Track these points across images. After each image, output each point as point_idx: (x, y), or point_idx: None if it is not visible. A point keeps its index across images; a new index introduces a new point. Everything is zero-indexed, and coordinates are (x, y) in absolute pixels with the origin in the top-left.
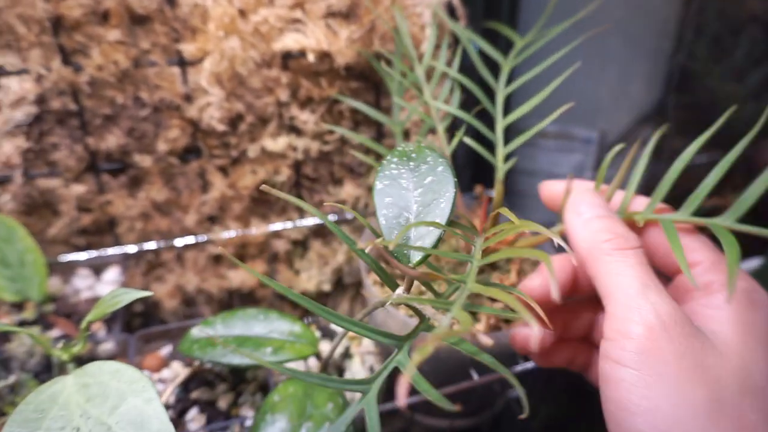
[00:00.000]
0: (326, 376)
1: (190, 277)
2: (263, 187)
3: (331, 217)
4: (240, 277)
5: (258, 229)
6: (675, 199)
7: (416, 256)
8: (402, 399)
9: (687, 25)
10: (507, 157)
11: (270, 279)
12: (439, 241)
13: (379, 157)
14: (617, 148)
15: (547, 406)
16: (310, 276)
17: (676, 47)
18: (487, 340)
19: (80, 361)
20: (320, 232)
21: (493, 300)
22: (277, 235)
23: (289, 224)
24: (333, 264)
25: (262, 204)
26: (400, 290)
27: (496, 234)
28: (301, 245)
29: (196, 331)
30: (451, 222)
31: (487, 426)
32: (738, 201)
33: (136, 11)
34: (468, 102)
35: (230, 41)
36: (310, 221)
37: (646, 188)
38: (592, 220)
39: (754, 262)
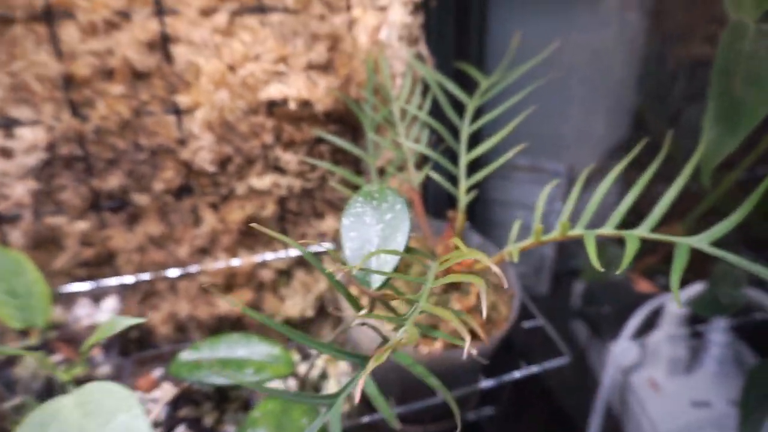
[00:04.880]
0: (298, 393)
1: (183, 305)
2: (253, 224)
3: (313, 249)
4: (227, 305)
5: (245, 260)
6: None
7: (377, 282)
8: (357, 398)
9: (638, 69)
10: (470, 189)
11: (251, 309)
12: (397, 268)
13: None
14: (580, 181)
15: (518, 420)
16: (295, 303)
17: (631, 88)
18: (423, 350)
19: (79, 382)
20: (303, 261)
21: None
22: (263, 265)
23: (274, 255)
24: (315, 291)
25: (249, 236)
26: (363, 312)
27: (446, 261)
28: (285, 274)
29: (185, 355)
30: (410, 249)
31: (463, 429)
32: (651, 213)
33: (138, 69)
34: (442, 138)
35: (220, 93)
36: (294, 252)
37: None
38: None
39: (696, 287)
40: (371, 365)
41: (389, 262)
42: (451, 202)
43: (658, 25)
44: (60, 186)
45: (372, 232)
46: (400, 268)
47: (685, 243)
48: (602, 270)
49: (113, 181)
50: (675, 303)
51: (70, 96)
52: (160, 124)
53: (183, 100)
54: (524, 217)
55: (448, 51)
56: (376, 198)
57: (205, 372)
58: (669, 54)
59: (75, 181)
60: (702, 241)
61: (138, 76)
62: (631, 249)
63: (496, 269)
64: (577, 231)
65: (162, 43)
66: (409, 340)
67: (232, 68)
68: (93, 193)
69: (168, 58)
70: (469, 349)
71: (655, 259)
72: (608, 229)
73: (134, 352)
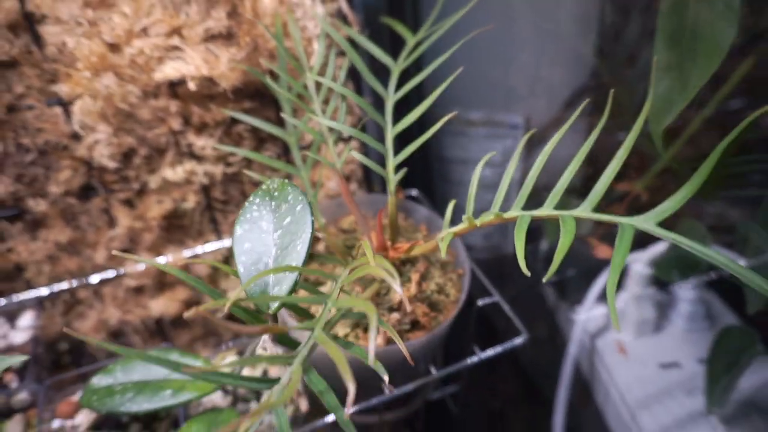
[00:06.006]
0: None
1: (112, 311)
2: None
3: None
4: (160, 306)
5: (173, 256)
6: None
7: (275, 303)
8: None
9: (594, 7)
10: (400, 167)
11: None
12: (296, 284)
13: (288, 176)
14: (528, 134)
15: (482, 395)
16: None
17: (587, 30)
18: (304, 407)
19: None
20: None
21: (392, 309)
22: (196, 258)
23: (212, 246)
24: None
25: (176, 230)
26: (266, 337)
27: (356, 269)
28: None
29: (96, 380)
30: (314, 257)
31: (417, 416)
32: (592, 192)
33: (0, 57)
34: (375, 104)
35: (103, 79)
36: (228, 242)
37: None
38: None
39: (660, 247)
40: (246, 425)
41: (288, 278)
42: (414, 169)
43: None
44: None
45: (269, 240)
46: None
47: (628, 224)
48: (528, 273)
49: (0, 188)
50: (639, 263)
51: None
52: (44, 119)
53: (63, 89)
54: (485, 175)
55: (377, 5)
56: (276, 197)
57: (118, 399)
58: None
59: None
60: (649, 221)
61: (4, 65)
62: (566, 240)
63: (399, 290)
64: (512, 213)
65: (26, 24)
66: (286, 394)
67: (115, 47)
68: None
69: (37, 41)
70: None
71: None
72: (545, 210)
73: (68, 365)
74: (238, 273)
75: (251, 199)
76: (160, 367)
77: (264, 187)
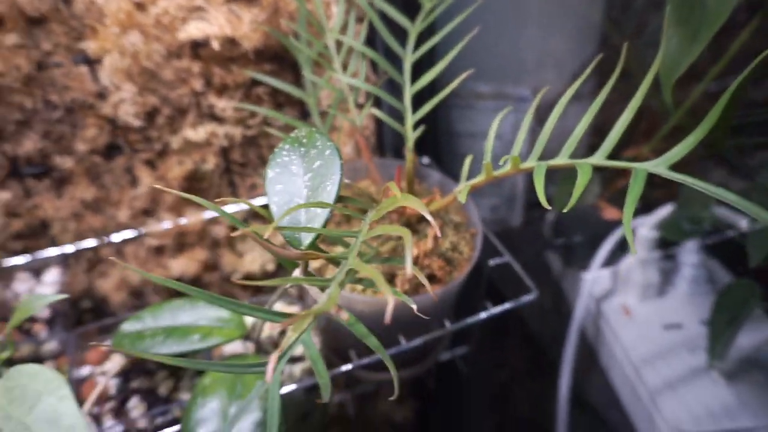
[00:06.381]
0: (227, 363)
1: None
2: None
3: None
4: (180, 266)
5: (193, 218)
6: None
7: (307, 239)
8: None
9: None
10: (418, 124)
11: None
12: (328, 221)
13: None
14: (541, 92)
15: (492, 358)
16: (254, 258)
17: (592, 3)
18: (345, 316)
19: (22, 362)
20: (259, 214)
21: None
22: (214, 221)
23: (224, 210)
24: (276, 243)
25: (196, 192)
26: (297, 271)
27: (381, 209)
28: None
29: (127, 326)
30: (344, 198)
31: (429, 374)
32: (606, 140)
33: (30, 13)
34: (393, 65)
35: (130, 37)
36: (245, 205)
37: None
38: None
39: (665, 210)
40: (291, 335)
41: (319, 216)
42: (428, 135)
43: None
44: None
45: (300, 182)
46: (343, 219)
47: (641, 168)
48: (548, 206)
49: (29, 144)
50: (645, 227)
51: None
52: (72, 77)
53: (90, 47)
54: (493, 147)
55: None
56: (304, 144)
57: (148, 342)
58: None
59: None
60: (660, 165)
61: (33, 22)
62: (582, 180)
63: (429, 217)
64: (529, 163)
65: None
66: (327, 305)
67: (141, 6)
68: (8, 159)
69: None
70: (412, 301)
71: (624, 183)
72: (561, 160)
73: (90, 322)
74: (271, 212)
75: (281, 145)
76: (187, 315)
77: (293, 135)
